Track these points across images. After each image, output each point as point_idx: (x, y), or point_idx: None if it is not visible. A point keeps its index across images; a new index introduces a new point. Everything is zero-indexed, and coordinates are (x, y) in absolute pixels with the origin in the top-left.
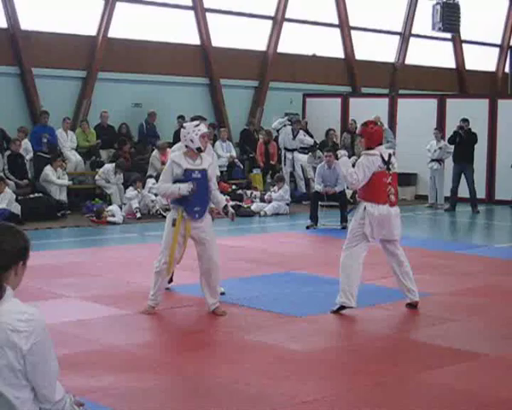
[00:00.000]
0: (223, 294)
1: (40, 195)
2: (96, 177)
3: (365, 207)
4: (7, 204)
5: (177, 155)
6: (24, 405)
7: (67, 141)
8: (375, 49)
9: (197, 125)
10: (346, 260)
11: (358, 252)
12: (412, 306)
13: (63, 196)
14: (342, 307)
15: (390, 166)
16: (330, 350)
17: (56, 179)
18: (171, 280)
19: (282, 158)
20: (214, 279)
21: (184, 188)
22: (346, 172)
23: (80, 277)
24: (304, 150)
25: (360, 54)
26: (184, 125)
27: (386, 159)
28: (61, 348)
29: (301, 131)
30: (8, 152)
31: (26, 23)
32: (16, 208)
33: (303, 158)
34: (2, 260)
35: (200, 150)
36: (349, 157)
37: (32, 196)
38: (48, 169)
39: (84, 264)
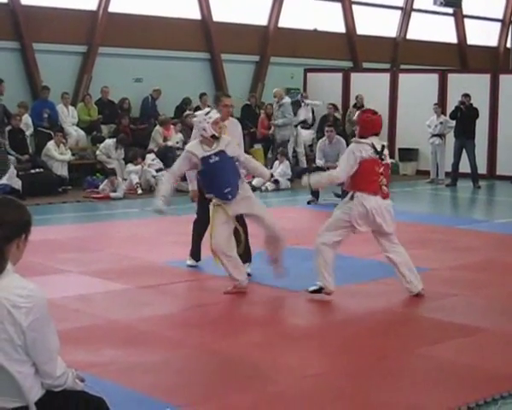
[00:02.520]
0: (249, 275)
1: (41, 170)
2: (97, 152)
3: (353, 196)
4: (8, 179)
5: (193, 144)
6: (26, 380)
7: (68, 116)
8: (376, 24)
9: (207, 113)
10: (322, 245)
11: (336, 238)
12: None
13: (64, 172)
14: (320, 289)
15: (383, 157)
16: (331, 325)
17: (58, 155)
18: (199, 258)
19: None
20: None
21: (156, 203)
22: (326, 179)
23: (81, 252)
24: (306, 126)
25: (361, 29)
26: (196, 113)
27: (379, 149)
28: (62, 323)
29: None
30: (8, 127)
31: None
32: (17, 184)
33: (305, 134)
34: (5, 232)
35: (214, 137)
36: (354, 132)
37: (32, 171)
38: (50, 144)
39: (86, 239)
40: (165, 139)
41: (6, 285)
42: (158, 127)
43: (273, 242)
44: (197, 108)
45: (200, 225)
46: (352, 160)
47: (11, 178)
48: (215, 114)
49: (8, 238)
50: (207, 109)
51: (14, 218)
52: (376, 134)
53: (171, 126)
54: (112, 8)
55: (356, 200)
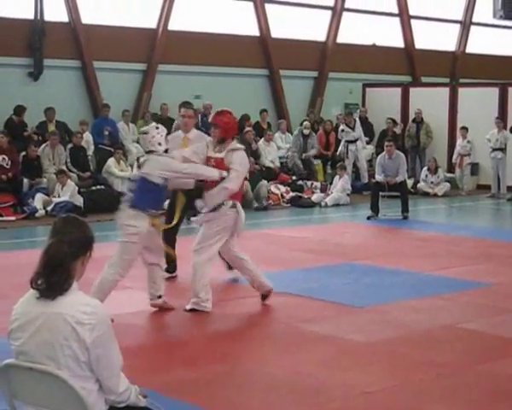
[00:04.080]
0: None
1: (102, 187)
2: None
3: (235, 205)
4: (69, 196)
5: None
6: (89, 395)
7: (129, 133)
8: (435, 38)
9: (157, 128)
10: (205, 262)
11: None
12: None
13: (125, 188)
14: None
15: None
16: (391, 341)
17: (118, 171)
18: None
19: (344, 150)
20: None
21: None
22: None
23: (141, 268)
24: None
25: (420, 43)
26: (144, 129)
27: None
28: (122, 339)
29: (358, 122)
30: (70, 145)
31: (87, 17)
32: (78, 200)
33: (366, 149)
34: (71, 250)
35: (166, 151)
36: (414, 147)
37: (93, 188)
38: (110, 161)
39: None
40: None
41: (70, 302)
42: None
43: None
44: (256, 124)
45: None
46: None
47: (73, 196)
48: (163, 130)
49: (74, 256)
50: (156, 124)
51: (79, 236)
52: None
53: None
54: (171, 26)
55: (238, 207)
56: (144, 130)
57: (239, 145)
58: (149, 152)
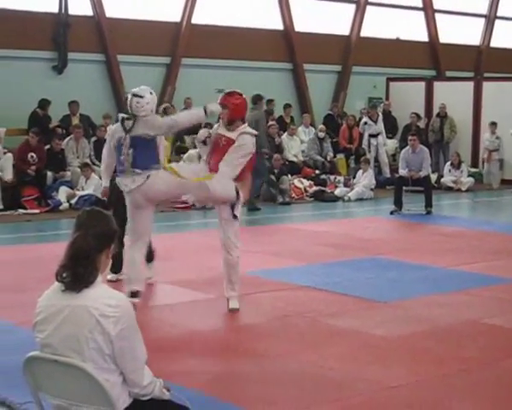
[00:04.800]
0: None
1: None
2: (181, 162)
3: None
4: (93, 190)
5: None
6: (114, 388)
7: None
8: (459, 32)
9: (151, 93)
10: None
11: None
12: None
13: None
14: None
15: None
16: (414, 336)
17: None
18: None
19: (367, 144)
20: None
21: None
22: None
23: (165, 261)
24: (388, 136)
25: (444, 37)
26: (137, 92)
27: None
28: (147, 332)
29: (380, 116)
30: (94, 138)
31: (112, 10)
32: None
33: (388, 143)
34: (96, 242)
35: None
36: (438, 141)
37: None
38: None
39: (169, 248)
40: None
41: (95, 295)
42: None
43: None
44: (280, 118)
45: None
46: None
47: (97, 189)
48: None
49: (98, 248)
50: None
51: (104, 228)
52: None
53: None
54: (195, 20)
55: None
56: (137, 92)
57: (251, 130)
58: (135, 116)
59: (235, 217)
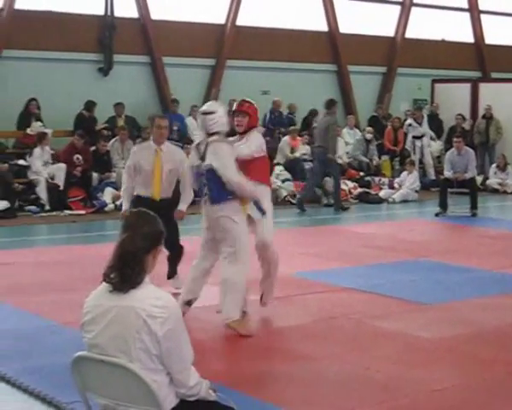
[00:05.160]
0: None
1: None
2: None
3: None
4: None
5: None
6: (160, 388)
7: (197, 129)
8: (506, 33)
9: (222, 105)
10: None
11: None
12: None
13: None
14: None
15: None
16: (459, 338)
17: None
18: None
19: (411, 145)
20: None
21: None
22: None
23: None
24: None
25: (490, 38)
26: (208, 109)
27: None
28: (193, 332)
29: (425, 118)
30: (139, 140)
31: (157, 13)
32: None
33: (433, 145)
34: (144, 243)
35: None
36: (483, 143)
37: None
38: None
39: None
40: (293, 150)
41: (142, 296)
42: (286, 138)
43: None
44: None
45: None
46: None
47: None
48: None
49: (146, 249)
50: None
51: (151, 229)
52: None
53: (298, 138)
54: (239, 22)
55: None
56: (207, 109)
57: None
58: (212, 134)
59: (263, 213)
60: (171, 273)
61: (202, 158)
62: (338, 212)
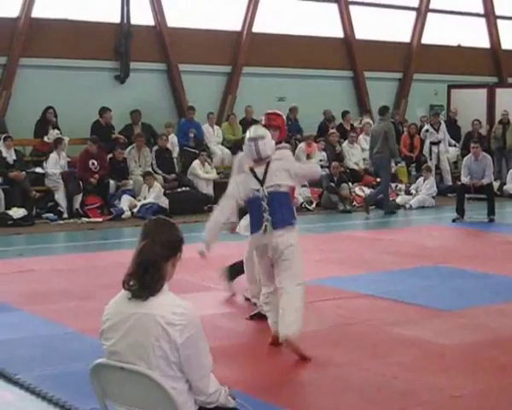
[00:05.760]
0: None
1: (187, 189)
2: None
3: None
4: (155, 198)
5: None
6: (180, 395)
7: (213, 136)
8: None
9: None
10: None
11: None
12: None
13: (210, 190)
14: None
15: None
16: (477, 344)
17: (203, 173)
18: None
19: (428, 151)
20: None
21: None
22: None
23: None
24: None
25: (506, 43)
26: (260, 134)
27: None
28: (211, 340)
29: (443, 124)
30: (155, 147)
31: (173, 20)
32: (164, 202)
33: (450, 151)
34: (163, 251)
35: None
36: (500, 148)
37: (179, 190)
38: (195, 163)
39: (231, 256)
40: (309, 156)
41: (161, 303)
42: (301, 145)
43: None
44: (340, 126)
45: None
46: None
47: (159, 197)
48: None
49: (165, 257)
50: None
51: (170, 237)
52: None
53: (314, 144)
54: (255, 29)
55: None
56: (257, 135)
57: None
58: (262, 160)
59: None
60: None
61: (262, 181)
62: (387, 215)
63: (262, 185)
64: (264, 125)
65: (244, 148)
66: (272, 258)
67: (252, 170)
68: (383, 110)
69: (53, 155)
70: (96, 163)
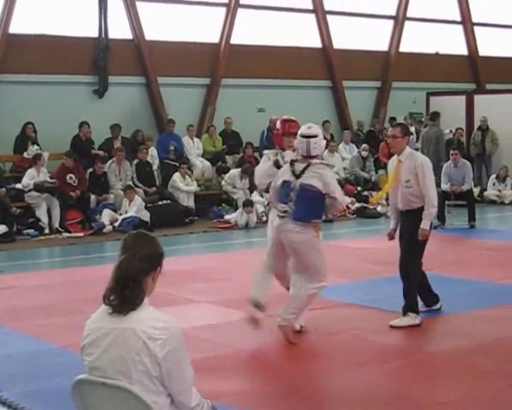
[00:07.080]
0: None
1: (168, 202)
2: (223, 182)
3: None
4: (136, 211)
5: None
6: None
7: (194, 148)
8: (499, 45)
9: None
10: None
11: None
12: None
13: (190, 202)
14: None
15: None
16: (460, 351)
17: (183, 186)
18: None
19: None
20: None
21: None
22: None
23: (210, 282)
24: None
25: (484, 50)
26: (311, 132)
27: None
28: (193, 352)
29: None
30: (136, 161)
31: (151, 33)
32: (146, 216)
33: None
34: (143, 265)
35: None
36: (479, 155)
37: (160, 203)
38: (176, 176)
39: (213, 269)
40: None
41: (142, 318)
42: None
43: None
44: None
45: None
46: None
47: (139, 211)
48: None
49: (145, 271)
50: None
51: (150, 251)
52: None
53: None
54: (233, 40)
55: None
56: (310, 133)
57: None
58: (310, 157)
59: None
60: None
61: (298, 176)
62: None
63: (297, 179)
64: (283, 133)
65: (296, 142)
66: (287, 250)
67: (292, 164)
68: (434, 116)
69: (30, 171)
70: (73, 177)
